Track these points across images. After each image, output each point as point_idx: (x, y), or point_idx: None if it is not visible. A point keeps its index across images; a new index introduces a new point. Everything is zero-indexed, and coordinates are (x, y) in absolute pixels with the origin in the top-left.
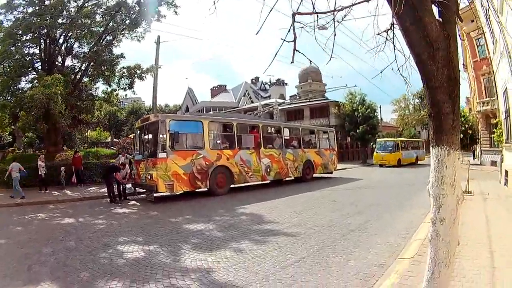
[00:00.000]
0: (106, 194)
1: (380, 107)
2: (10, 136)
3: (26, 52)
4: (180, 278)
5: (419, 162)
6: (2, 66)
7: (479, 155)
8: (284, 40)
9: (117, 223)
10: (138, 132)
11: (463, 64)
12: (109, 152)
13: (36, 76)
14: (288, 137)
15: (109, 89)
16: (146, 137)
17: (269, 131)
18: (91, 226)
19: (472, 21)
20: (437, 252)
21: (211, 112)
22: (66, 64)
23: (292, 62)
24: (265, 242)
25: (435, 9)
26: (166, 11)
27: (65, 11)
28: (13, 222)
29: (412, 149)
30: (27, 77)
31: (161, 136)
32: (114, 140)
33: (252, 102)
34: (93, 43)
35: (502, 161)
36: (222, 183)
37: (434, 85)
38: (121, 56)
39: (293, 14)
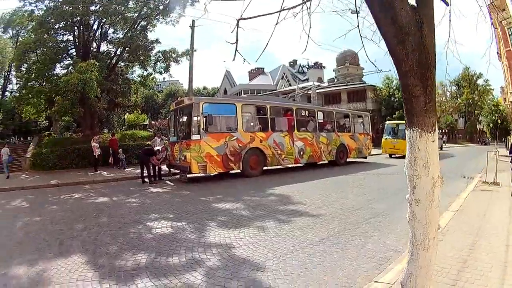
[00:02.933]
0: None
1: None
2: (46, 121)
3: (60, 39)
4: (202, 253)
5: None
6: (35, 53)
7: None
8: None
9: (149, 201)
10: (173, 114)
11: (497, 53)
12: (146, 134)
13: (71, 62)
14: (322, 121)
15: (145, 73)
16: (180, 119)
17: (303, 114)
18: (124, 205)
19: (503, 9)
20: (414, 234)
21: (244, 95)
22: (101, 49)
23: (233, 60)
24: (289, 222)
25: None
26: None
27: None
28: (49, 201)
29: None
30: (62, 64)
31: (194, 118)
32: (152, 122)
33: (290, 85)
34: (127, 28)
35: None
36: (255, 165)
37: (404, 69)
38: (156, 41)
39: (238, 20)
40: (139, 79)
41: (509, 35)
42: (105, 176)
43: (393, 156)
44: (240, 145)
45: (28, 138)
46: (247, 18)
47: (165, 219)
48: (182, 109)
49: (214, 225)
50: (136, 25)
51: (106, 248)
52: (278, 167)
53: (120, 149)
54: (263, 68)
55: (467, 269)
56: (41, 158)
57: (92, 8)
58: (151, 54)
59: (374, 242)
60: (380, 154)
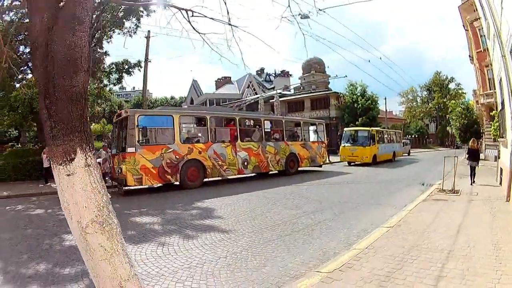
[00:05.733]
0: None
1: (385, 98)
2: (16, 131)
3: (21, 51)
4: None
5: (396, 159)
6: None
7: (483, 150)
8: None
9: None
10: (115, 127)
11: (469, 55)
12: (101, 145)
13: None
14: (269, 130)
15: (101, 85)
16: (120, 132)
17: (247, 124)
18: (54, 217)
19: (475, 10)
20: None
21: (204, 105)
22: None
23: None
24: (194, 238)
25: None
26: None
27: None
28: None
29: (389, 142)
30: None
31: (130, 131)
32: None
33: (256, 93)
34: None
35: (499, 157)
36: (194, 176)
37: (39, 89)
38: (105, 53)
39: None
40: (95, 90)
41: (480, 36)
42: (53, 188)
43: (352, 164)
44: (177, 156)
45: None
46: None
47: None
48: (121, 122)
49: None
50: (92, 38)
51: (18, 257)
52: (227, 177)
53: None
54: (230, 77)
55: None
56: None
57: None
58: (101, 67)
59: (274, 264)
60: (340, 162)
